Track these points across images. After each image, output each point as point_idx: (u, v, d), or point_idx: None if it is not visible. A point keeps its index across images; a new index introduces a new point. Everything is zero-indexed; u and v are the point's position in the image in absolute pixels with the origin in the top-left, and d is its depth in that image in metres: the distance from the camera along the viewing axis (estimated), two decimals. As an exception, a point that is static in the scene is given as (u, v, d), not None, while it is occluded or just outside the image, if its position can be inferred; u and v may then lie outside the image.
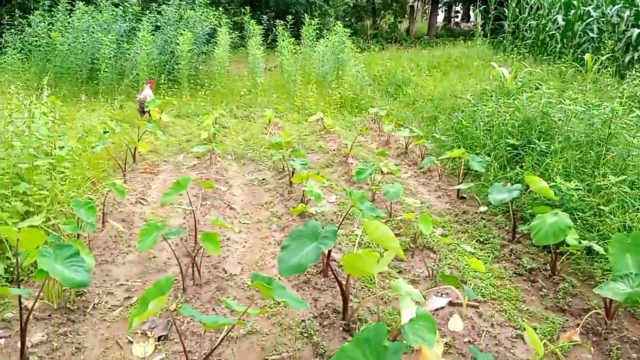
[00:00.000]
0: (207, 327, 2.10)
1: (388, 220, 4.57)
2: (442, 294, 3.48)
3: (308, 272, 3.68)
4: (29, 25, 10.40)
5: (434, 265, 3.83)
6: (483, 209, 4.91)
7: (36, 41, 10.15)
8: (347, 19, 21.30)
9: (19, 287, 2.42)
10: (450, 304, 3.36)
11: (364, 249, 4.05)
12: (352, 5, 22.26)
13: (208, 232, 3.44)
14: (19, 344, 2.55)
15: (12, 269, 3.32)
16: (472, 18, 26.64)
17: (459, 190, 5.36)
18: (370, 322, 3.08)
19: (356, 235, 4.19)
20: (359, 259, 2.58)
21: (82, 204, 3.53)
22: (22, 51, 10.24)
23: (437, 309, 3.29)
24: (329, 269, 3.43)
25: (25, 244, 2.51)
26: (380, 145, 7.34)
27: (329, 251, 3.44)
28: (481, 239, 4.36)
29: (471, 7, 25.44)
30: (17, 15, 11.02)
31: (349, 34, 11.44)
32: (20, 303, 2.46)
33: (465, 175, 5.70)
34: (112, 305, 3.21)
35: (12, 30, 10.55)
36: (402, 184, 5.05)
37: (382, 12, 24.14)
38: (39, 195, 3.90)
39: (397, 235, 4.29)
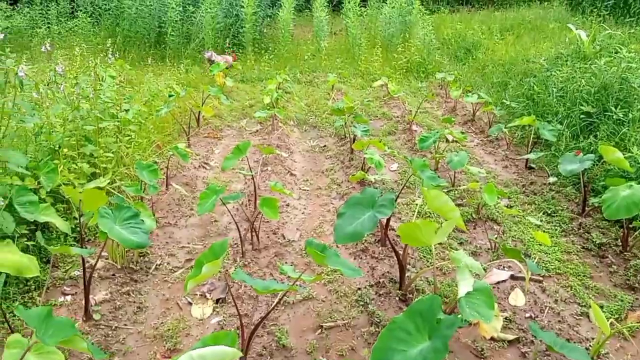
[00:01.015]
0: (258, 292, 2.10)
1: (450, 190, 4.42)
2: (504, 267, 3.34)
3: (366, 240, 3.62)
4: (99, -12, 10.68)
5: (496, 238, 3.67)
6: (552, 180, 4.64)
7: (106, 5, 10.39)
8: (416, -20, 20.53)
9: (82, 247, 2.50)
10: (512, 277, 3.21)
11: (424, 218, 3.93)
12: (422, -35, 21.42)
13: (267, 197, 3.44)
14: (84, 302, 2.66)
15: (78, 229, 3.47)
16: (551, -23, 24.99)
17: (527, 159, 5.10)
18: (428, 293, 3.00)
19: (417, 204, 4.07)
20: (416, 229, 2.48)
21: (145, 166, 3.61)
22: (93, 15, 10.53)
23: (498, 283, 3.16)
24: (387, 238, 3.36)
25: (88, 204, 2.58)
26: (446, 112, 7.08)
27: (388, 219, 3.36)
28: (549, 212, 4.13)
29: (550, -35, 23.87)
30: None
31: (417, -5, 11.02)
32: (83, 262, 2.55)
33: (535, 145, 5.40)
34: (174, 267, 3.29)
35: (85, -5, 10.88)
36: (468, 153, 4.84)
37: (453, -29, 23.09)
38: (104, 157, 4.02)
39: (459, 205, 4.14)
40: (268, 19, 11.89)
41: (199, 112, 6.13)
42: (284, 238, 3.70)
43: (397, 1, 10.77)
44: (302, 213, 4.16)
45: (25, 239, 3.01)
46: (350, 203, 2.78)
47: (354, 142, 4.99)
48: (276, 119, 6.24)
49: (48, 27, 9.41)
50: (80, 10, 10.30)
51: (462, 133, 5.62)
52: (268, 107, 6.54)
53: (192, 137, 5.76)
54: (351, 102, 6.02)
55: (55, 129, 3.84)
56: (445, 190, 4.37)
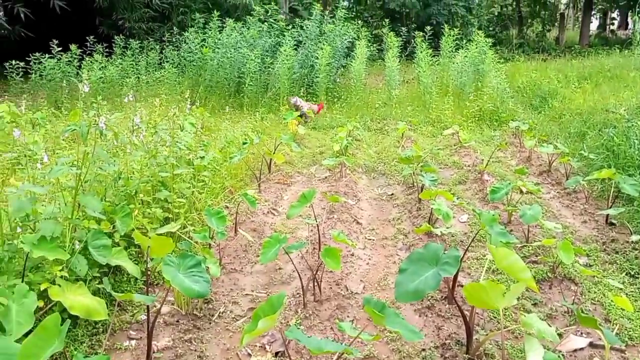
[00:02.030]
0: (313, 352, 2.06)
1: (524, 246, 4.21)
2: (582, 333, 3.10)
3: (432, 296, 3.49)
4: (185, 42, 11.38)
5: (574, 300, 3.44)
6: (635, 238, 4.32)
7: (190, 56, 11.05)
8: (490, 29, 20.44)
9: (148, 291, 2.58)
10: (592, 345, 2.97)
11: (495, 276, 3.76)
12: (496, 14, 21.32)
13: (329, 247, 3.42)
14: (147, 348, 2.72)
15: (149, 272, 3.59)
16: (630, 25, 24.08)
17: (607, 215, 4.79)
18: (498, 358, 2.83)
19: (487, 259, 3.90)
20: (482, 291, 2.37)
21: (214, 213, 3.71)
22: (179, 66, 11.21)
23: (575, 350, 2.93)
24: (453, 297, 3.22)
25: (156, 250, 2.67)
26: (520, 162, 6.85)
27: (455, 276, 3.23)
28: (632, 273, 3.83)
29: (629, 13, 23.04)
30: (175, 32, 12.19)
31: (491, 43, 10.93)
32: (148, 308, 2.62)
33: (616, 199, 5.08)
34: (236, 315, 3.31)
35: (171, 47, 11.62)
36: (543, 206, 4.64)
37: (529, 20, 22.80)
38: (177, 202, 4.18)
39: (533, 262, 3.93)
40: (342, 68, 12.17)
41: (271, 158, 6.29)
42: (347, 290, 3.65)
43: (469, 50, 10.72)
44: (367, 264, 4.10)
45: (97, 282, 3.14)
46: (412, 259, 2.71)
47: (421, 191, 4.91)
48: (345, 167, 6.27)
49: (137, 77, 10.09)
50: (167, 62, 11.00)
51: (537, 184, 5.40)
52: (337, 155, 6.60)
53: (262, 183, 5.90)
54: (420, 150, 5.97)
55: (133, 175, 4.05)
56: (519, 247, 4.18)
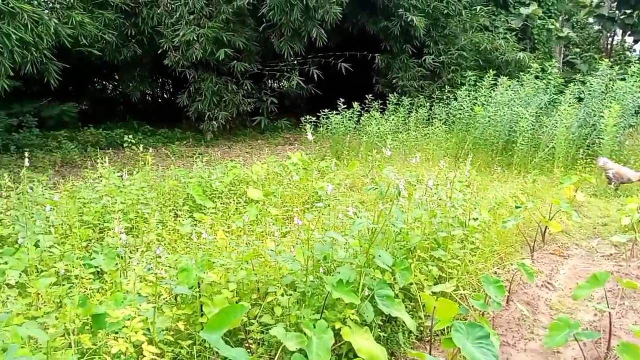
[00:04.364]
0: None
1: None
2: None
3: None
4: (455, 99, 11.56)
5: None
6: None
7: (459, 113, 11.16)
8: None
9: (430, 352, 2.57)
10: None
11: None
12: None
13: (629, 343, 2.97)
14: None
15: (421, 328, 3.61)
16: None
17: None
18: None
19: None
20: None
21: (492, 281, 3.57)
22: (446, 122, 11.41)
23: None
24: None
25: (439, 312, 2.67)
26: None
27: None
28: None
29: None
30: (446, 90, 12.50)
31: None
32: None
33: None
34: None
35: (441, 104, 11.92)
36: None
37: None
38: (452, 263, 4.16)
39: None
40: (630, 128, 10.85)
41: (545, 226, 5.85)
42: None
43: None
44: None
45: (379, 330, 3.28)
46: None
47: None
48: (637, 245, 5.46)
49: (407, 133, 10.59)
50: (436, 118, 11.32)
51: None
52: (626, 230, 5.80)
53: (536, 252, 5.51)
54: None
55: (412, 232, 4.18)
56: None
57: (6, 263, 3.83)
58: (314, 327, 2.76)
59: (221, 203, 5.85)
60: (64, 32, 8.68)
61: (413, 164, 7.50)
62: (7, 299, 3.14)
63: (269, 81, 14.89)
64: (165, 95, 17.67)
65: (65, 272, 3.55)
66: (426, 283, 3.82)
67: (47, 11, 8.49)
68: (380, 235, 3.75)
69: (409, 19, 13.02)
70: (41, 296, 3.41)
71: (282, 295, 3.10)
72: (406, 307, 3.74)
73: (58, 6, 9.26)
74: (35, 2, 8.95)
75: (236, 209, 5.64)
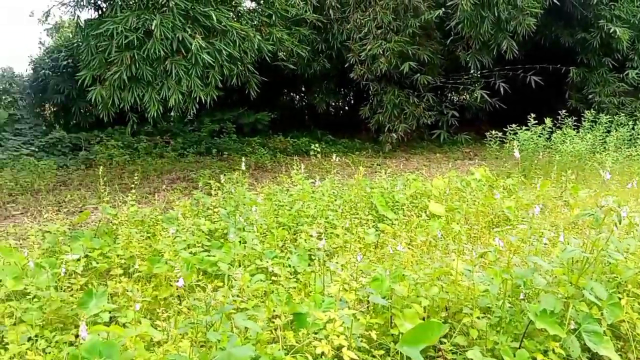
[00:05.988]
0: None
1: None
2: None
3: None
4: None
5: None
6: None
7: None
8: None
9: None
10: None
11: None
12: None
13: None
14: None
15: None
16: None
17: None
18: None
19: None
20: None
21: None
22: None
23: None
24: None
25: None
26: None
27: None
28: None
29: None
30: None
31: None
32: None
33: None
34: None
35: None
36: None
37: None
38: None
39: None
40: None
41: None
42: None
43: None
44: None
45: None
46: None
47: None
48: None
49: (607, 153, 9.62)
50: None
51: None
52: None
53: None
54: None
55: (623, 263, 3.77)
56: None
57: (214, 256, 4.29)
58: (514, 355, 2.63)
59: (403, 215, 5.89)
60: (266, 48, 9.48)
61: (617, 188, 6.77)
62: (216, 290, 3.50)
63: (450, 94, 14.67)
64: (346, 107, 18.38)
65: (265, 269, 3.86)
66: (639, 322, 3.42)
67: (252, 29, 9.32)
68: (587, 266, 3.46)
69: (610, 30, 11.91)
70: (244, 290, 3.72)
71: (478, 317, 3.00)
72: (614, 345, 3.39)
73: (261, 24, 10.15)
74: (243, 20, 9.91)
75: (419, 222, 5.62)
